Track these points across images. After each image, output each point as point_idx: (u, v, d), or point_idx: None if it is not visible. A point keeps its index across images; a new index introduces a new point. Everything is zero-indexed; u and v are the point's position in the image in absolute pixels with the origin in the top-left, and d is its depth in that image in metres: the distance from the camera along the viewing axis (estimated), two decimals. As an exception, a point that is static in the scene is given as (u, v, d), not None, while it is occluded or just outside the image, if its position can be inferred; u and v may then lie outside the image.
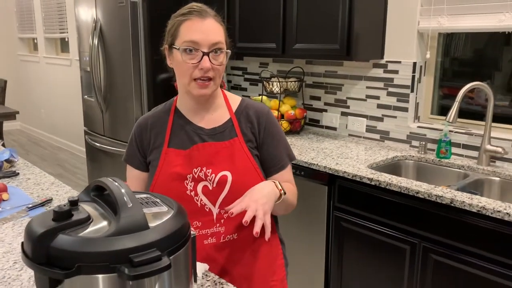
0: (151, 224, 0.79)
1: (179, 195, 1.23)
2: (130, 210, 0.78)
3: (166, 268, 0.75)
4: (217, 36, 1.19)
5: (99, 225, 0.80)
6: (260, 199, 1.13)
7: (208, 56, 1.18)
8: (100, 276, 0.74)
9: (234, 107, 1.33)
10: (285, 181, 1.34)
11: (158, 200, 0.92)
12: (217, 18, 1.22)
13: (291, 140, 2.69)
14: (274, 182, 1.22)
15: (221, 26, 1.23)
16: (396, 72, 2.52)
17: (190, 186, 1.25)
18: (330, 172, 2.14)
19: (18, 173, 1.95)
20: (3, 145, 2.55)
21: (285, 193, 1.22)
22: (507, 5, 2.08)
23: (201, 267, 1.16)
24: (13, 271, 1.13)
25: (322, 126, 2.96)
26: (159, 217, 0.84)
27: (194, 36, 1.18)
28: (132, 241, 0.75)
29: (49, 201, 1.62)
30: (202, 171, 1.25)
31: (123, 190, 0.82)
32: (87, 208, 0.85)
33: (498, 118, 2.28)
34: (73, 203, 0.81)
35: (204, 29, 1.18)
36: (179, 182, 1.25)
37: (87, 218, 0.80)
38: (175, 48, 1.21)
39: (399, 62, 2.50)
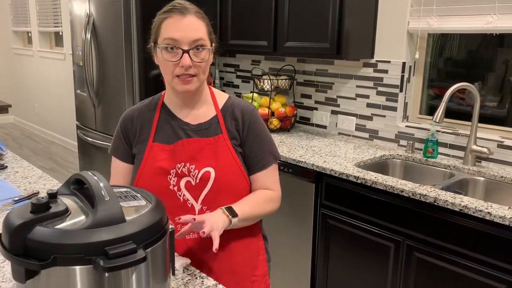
0: (128, 218, 0.81)
1: (162, 190, 1.25)
2: (107, 204, 0.79)
3: (141, 261, 0.76)
4: (197, 33, 1.20)
5: (77, 218, 0.81)
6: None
7: (188, 54, 1.19)
8: (76, 267, 0.75)
9: (221, 104, 1.34)
10: (264, 182, 1.33)
11: (138, 195, 0.94)
12: (198, 15, 1.22)
13: (281, 138, 2.71)
14: (222, 209, 1.20)
15: (203, 22, 1.22)
16: (385, 71, 2.54)
17: (173, 181, 1.26)
18: (318, 169, 2.16)
19: (7, 166, 1.96)
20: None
21: (234, 216, 1.20)
22: (494, 7, 2.11)
23: (182, 262, 1.18)
24: (-4, 263, 1.14)
25: (312, 124, 2.98)
26: (137, 210, 0.85)
27: (174, 34, 1.18)
28: (108, 233, 0.76)
29: (35, 194, 1.63)
30: (186, 167, 1.26)
31: (101, 184, 0.83)
32: (67, 201, 0.86)
33: (488, 119, 2.30)
34: (52, 196, 0.83)
35: (184, 26, 1.19)
36: (163, 176, 1.26)
37: (65, 211, 0.81)
38: (157, 46, 1.22)
39: (389, 61, 2.52)
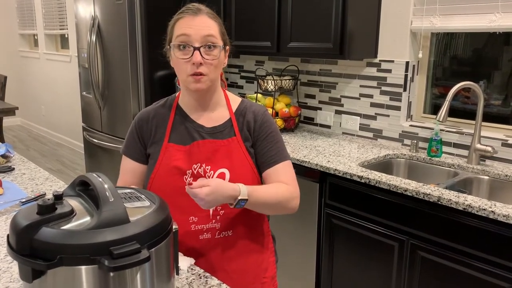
0: (132, 218, 0.82)
1: (177, 190, 1.25)
2: (111, 204, 0.81)
3: (145, 261, 0.78)
4: (208, 30, 1.22)
5: (82, 219, 0.83)
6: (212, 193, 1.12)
7: (199, 51, 1.21)
8: (81, 267, 0.77)
9: (234, 107, 1.36)
10: (277, 176, 1.30)
11: (142, 196, 0.95)
12: (211, 15, 1.26)
13: (285, 138, 2.72)
14: (240, 187, 1.17)
15: (215, 22, 1.26)
16: (389, 71, 2.55)
17: (189, 181, 1.27)
18: (322, 169, 2.17)
19: (14, 168, 1.98)
20: (1, 140, 2.59)
21: (243, 200, 1.17)
22: (498, 6, 2.10)
23: (187, 261, 1.19)
24: (4, 263, 1.16)
25: (316, 124, 2.99)
26: (141, 211, 0.87)
27: (186, 30, 1.22)
28: (112, 234, 0.78)
29: (42, 196, 1.65)
30: (202, 167, 1.28)
31: (105, 186, 0.85)
32: (72, 202, 0.88)
33: (494, 117, 2.30)
34: (58, 197, 0.84)
35: (196, 24, 1.22)
36: (179, 176, 1.27)
37: (71, 212, 0.83)
38: (171, 45, 1.25)
39: (392, 61, 2.52)
